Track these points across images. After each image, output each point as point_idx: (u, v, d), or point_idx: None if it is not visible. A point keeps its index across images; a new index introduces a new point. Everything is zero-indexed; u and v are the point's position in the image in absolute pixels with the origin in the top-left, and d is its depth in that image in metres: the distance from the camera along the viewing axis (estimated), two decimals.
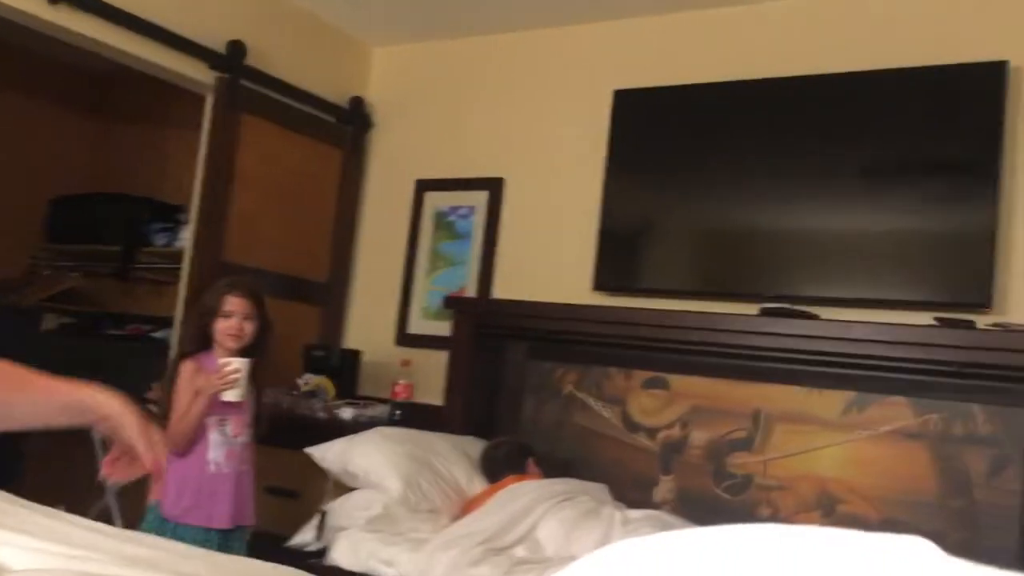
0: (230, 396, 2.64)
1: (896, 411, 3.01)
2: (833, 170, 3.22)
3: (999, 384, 2.84)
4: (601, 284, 3.62)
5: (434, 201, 4.19)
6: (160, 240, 4.49)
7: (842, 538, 0.41)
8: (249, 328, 2.72)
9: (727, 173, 3.42)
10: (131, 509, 4.16)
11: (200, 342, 2.75)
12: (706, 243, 3.50)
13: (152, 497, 2.71)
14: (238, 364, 2.63)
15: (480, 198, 4.05)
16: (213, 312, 2.71)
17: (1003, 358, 2.68)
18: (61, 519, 1.70)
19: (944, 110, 3.07)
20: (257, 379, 2.79)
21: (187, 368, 2.67)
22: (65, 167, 5.03)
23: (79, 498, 4.16)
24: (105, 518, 3.67)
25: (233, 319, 2.69)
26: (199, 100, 3.86)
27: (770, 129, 3.36)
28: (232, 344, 2.70)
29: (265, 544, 2.70)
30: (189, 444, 2.65)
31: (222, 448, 2.69)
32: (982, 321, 2.83)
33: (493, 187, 4.02)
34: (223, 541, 2.65)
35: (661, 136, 3.59)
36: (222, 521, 2.66)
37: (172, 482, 2.66)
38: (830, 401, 3.11)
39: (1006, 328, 2.72)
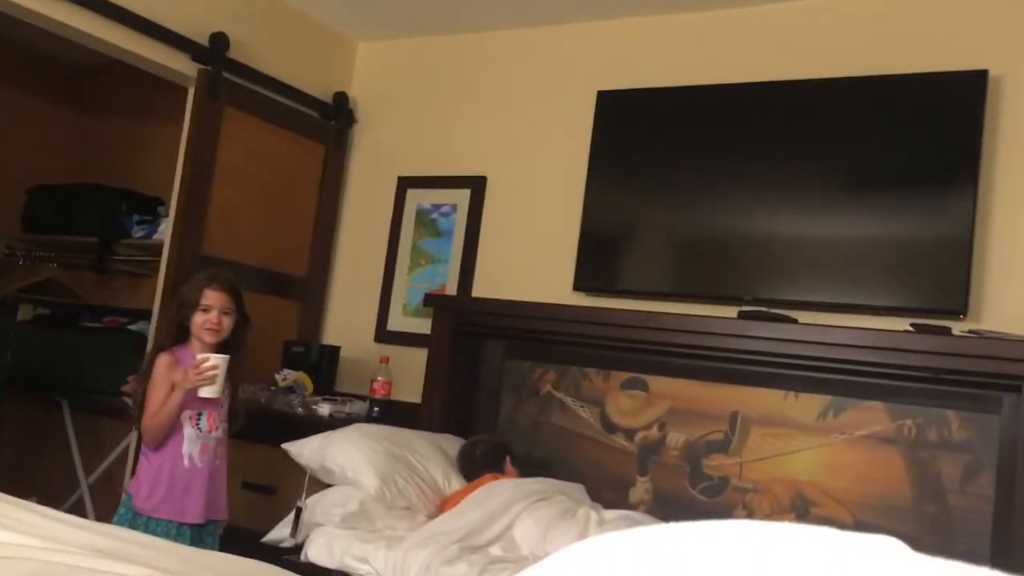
0: (207, 392, 2.62)
1: (872, 416, 3.03)
2: (813, 175, 3.24)
3: (974, 390, 2.87)
4: (581, 284, 3.63)
5: (416, 198, 4.18)
6: (139, 232, 4.46)
7: (814, 535, 0.41)
8: (227, 322, 2.71)
9: (709, 176, 3.44)
10: (105, 502, 4.13)
11: (177, 336, 2.73)
12: (687, 246, 3.51)
13: (125, 490, 2.69)
14: (216, 360, 2.61)
15: (462, 196, 4.05)
16: (191, 305, 2.69)
17: (978, 365, 2.71)
18: (33, 511, 1.68)
19: (923, 118, 3.09)
20: (234, 374, 2.78)
21: (163, 361, 2.65)
22: (44, 157, 4.98)
23: (52, 491, 4.13)
24: (79, 511, 3.64)
25: (211, 313, 2.68)
26: (181, 92, 3.83)
27: (752, 133, 3.38)
28: (210, 338, 2.69)
29: (240, 540, 2.69)
30: (164, 438, 2.64)
31: (196, 443, 2.67)
32: (957, 328, 2.86)
33: (475, 185, 4.02)
34: (195, 536, 2.64)
35: (644, 138, 3.59)
36: (194, 516, 2.65)
37: (145, 476, 2.65)
38: (807, 405, 3.13)
39: (981, 335, 2.75)
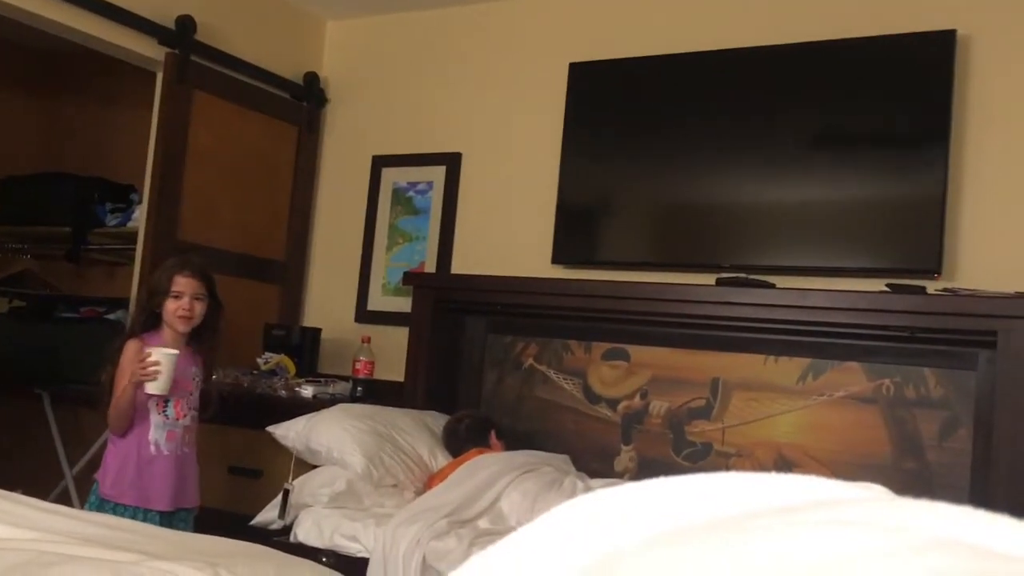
0: (152, 389, 2.55)
1: (850, 376, 3.07)
2: (787, 141, 3.26)
3: (949, 348, 2.91)
4: (560, 257, 3.64)
5: (391, 177, 4.16)
6: (112, 221, 4.42)
7: (797, 480, 0.43)
8: (199, 308, 2.68)
9: (683, 145, 3.45)
10: (87, 493, 4.12)
11: (149, 323, 2.70)
12: (663, 215, 3.53)
13: (95, 478, 2.68)
14: (159, 356, 2.53)
15: (438, 173, 4.04)
16: (163, 293, 2.65)
17: (953, 322, 2.75)
18: (21, 502, 1.68)
19: (894, 80, 3.11)
20: (207, 361, 2.76)
21: (131, 348, 2.62)
22: (10, 146, 4.91)
23: (37, 483, 4.11)
24: (64, 502, 3.64)
25: (183, 299, 2.64)
26: (149, 77, 3.79)
27: (724, 100, 3.39)
28: (182, 326, 2.66)
29: (229, 523, 2.69)
30: (128, 426, 2.62)
31: (163, 430, 2.65)
32: (932, 287, 2.89)
33: (451, 162, 4.01)
34: (164, 523, 2.60)
35: (617, 109, 3.60)
36: (160, 503, 2.63)
37: (111, 462, 2.64)
38: (786, 368, 3.16)
39: (955, 293, 2.78)
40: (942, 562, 0.32)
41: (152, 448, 2.63)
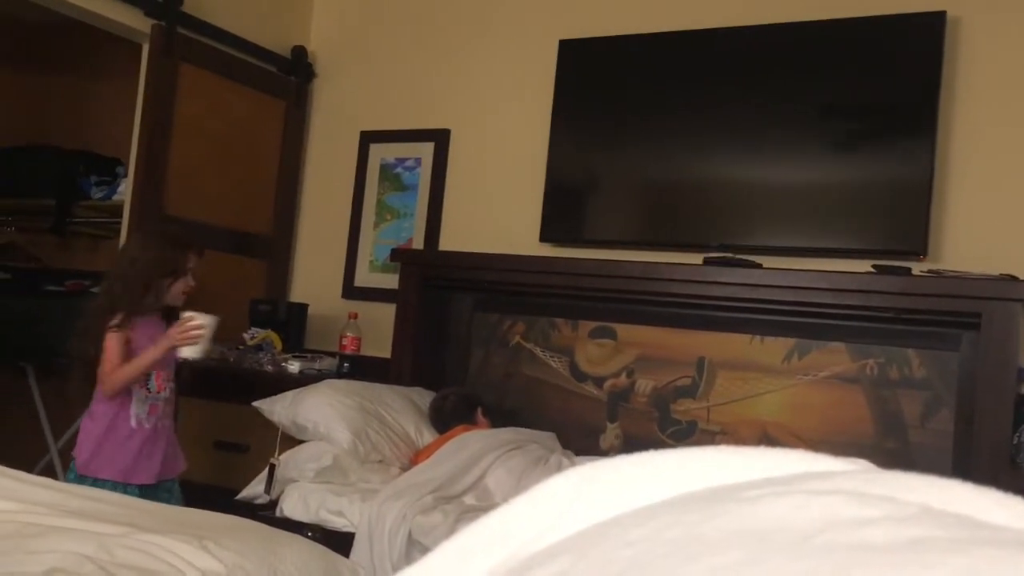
0: (189, 353, 2.55)
1: (835, 357, 3.09)
2: (775, 121, 3.26)
3: (933, 329, 2.94)
4: (548, 235, 3.64)
5: (379, 153, 4.15)
6: (97, 194, 4.39)
7: (788, 454, 0.43)
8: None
9: (672, 124, 3.44)
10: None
11: (140, 296, 2.65)
12: (651, 194, 3.53)
13: (72, 455, 2.66)
14: (203, 320, 2.53)
15: (426, 150, 4.02)
16: (179, 272, 2.62)
17: (937, 303, 2.77)
18: (5, 475, 1.68)
19: (883, 61, 3.11)
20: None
21: (113, 337, 2.56)
22: None
23: (22, 456, 4.10)
24: (49, 476, 3.63)
25: (189, 277, 2.64)
26: (135, 49, 3.75)
27: (712, 79, 3.38)
28: (183, 303, 2.66)
29: (215, 498, 2.69)
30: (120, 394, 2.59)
31: (145, 404, 2.63)
32: (918, 268, 2.91)
33: (439, 138, 3.99)
34: (146, 497, 2.60)
35: (606, 87, 3.58)
36: (142, 477, 2.61)
37: (88, 437, 2.60)
38: (772, 348, 3.18)
39: (940, 274, 2.80)
40: (928, 531, 0.33)
41: (133, 422, 2.60)
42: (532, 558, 0.39)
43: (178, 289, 2.63)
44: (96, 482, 2.55)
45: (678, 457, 0.43)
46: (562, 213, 3.63)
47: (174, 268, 2.61)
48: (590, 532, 0.39)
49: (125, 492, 2.55)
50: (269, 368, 3.63)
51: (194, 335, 2.51)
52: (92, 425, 2.61)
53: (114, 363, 2.55)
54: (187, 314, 2.55)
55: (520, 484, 2.78)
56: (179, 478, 2.80)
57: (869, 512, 0.34)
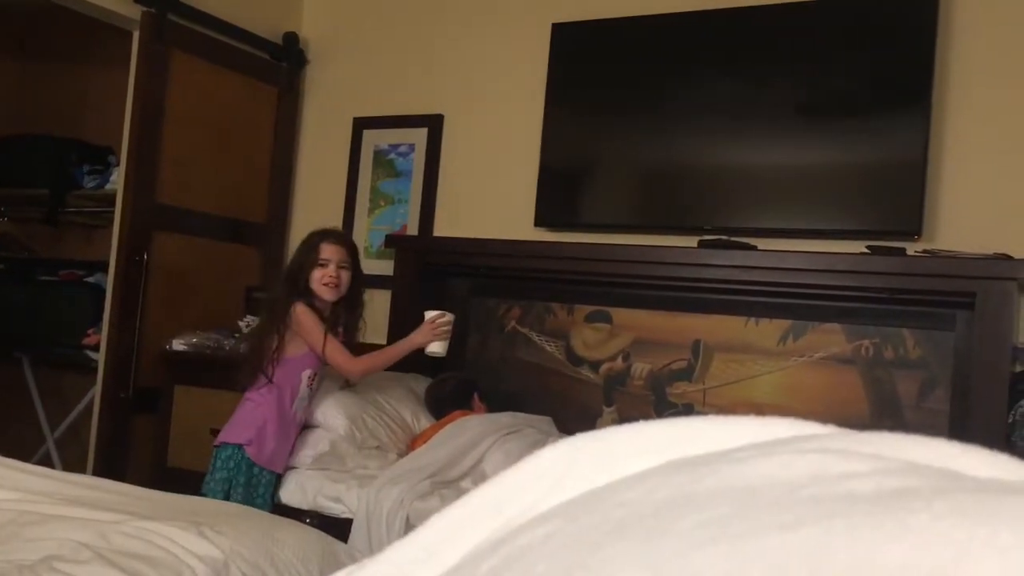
0: (436, 348, 2.70)
1: (830, 338, 3.09)
2: (769, 102, 3.25)
3: (928, 309, 2.94)
4: (542, 220, 3.63)
5: (373, 139, 4.13)
6: (90, 183, 4.37)
7: (779, 420, 0.44)
8: (345, 277, 2.73)
9: (665, 106, 3.43)
10: (71, 456, 4.12)
11: (290, 290, 2.71)
12: (646, 177, 3.52)
13: (220, 442, 2.67)
14: (450, 317, 2.70)
15: (420, 135, 4.01)
16: (311, 263, 2.69)
17: (932, 283, 2.77)
18: (2, 464, 1.68)
19: (876, 40, 3.10)
20: (347, 336, 2.80)
21: (304, 310, 2.68)
22: None
23: (18, 447, 4.10)
24: (46, 466, 3.63)
25: (329, 267, 2.71)
26: (126, 36, 3.73)
27: (706, 61, 3.37)
28: (329, 294, 2.72)
29: None
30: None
31: (305, 401, 2.77)
32: (912, 248, 2.91)
33: (433, 124, 3.98)
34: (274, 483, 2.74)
35: (600, 70, 3.57)
36: (279, 466, 2.74)
37: (258, 427, 2.66)
38: (767, 330, 3.18)
39: (935, 254, 2.80)
40: (914, 481, 0.34)
41: (293, 415, 2.74)
42: (523, 525, 0.39)
43: (316, 279, 2.69)
44: (263, 472, 2.65)
45: (667, 427, 0.43)
46: (556, 197, 3.62)
47: (308, 259, 2.70)
48: (581, 499, 0.40)
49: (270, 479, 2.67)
50: None
51: (443, 331, 2.67)
52: (260, 415, 2.66)
53: (319, 333, 2.65)
54: (435, 312, 2.70)
55: None
56: (177, 466, 2.85)
57: (856, 467, 0.35)
